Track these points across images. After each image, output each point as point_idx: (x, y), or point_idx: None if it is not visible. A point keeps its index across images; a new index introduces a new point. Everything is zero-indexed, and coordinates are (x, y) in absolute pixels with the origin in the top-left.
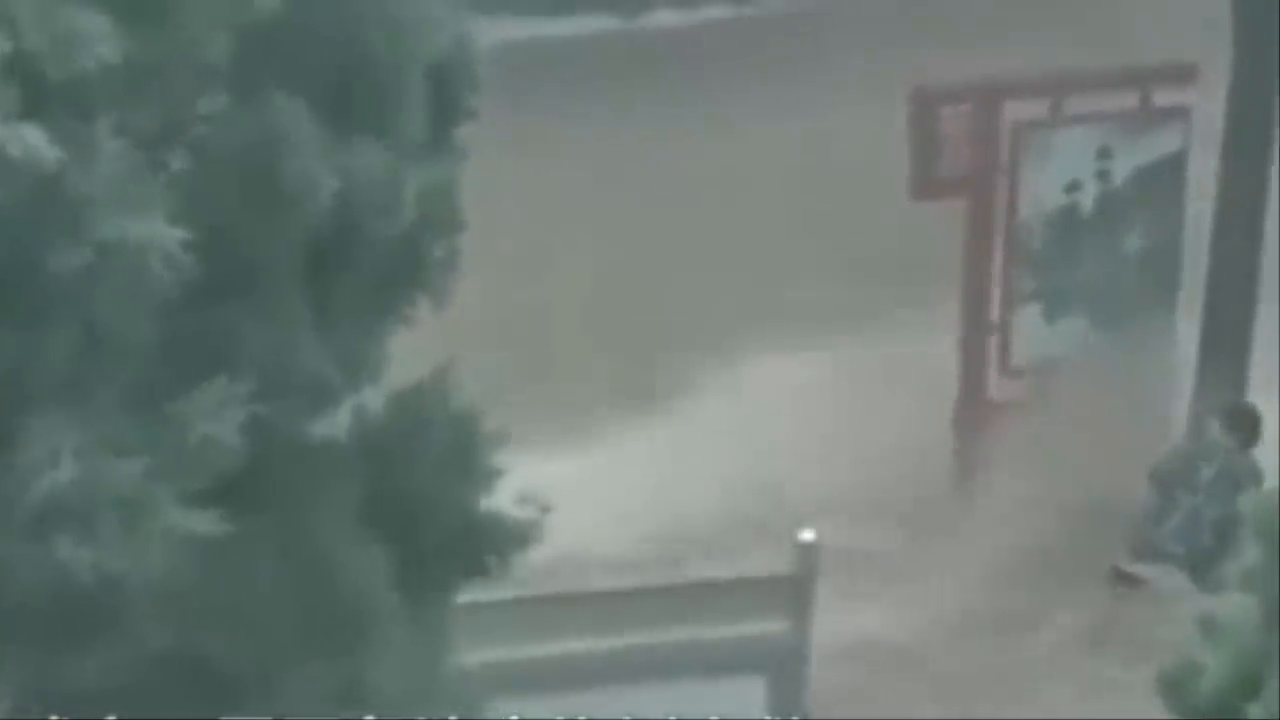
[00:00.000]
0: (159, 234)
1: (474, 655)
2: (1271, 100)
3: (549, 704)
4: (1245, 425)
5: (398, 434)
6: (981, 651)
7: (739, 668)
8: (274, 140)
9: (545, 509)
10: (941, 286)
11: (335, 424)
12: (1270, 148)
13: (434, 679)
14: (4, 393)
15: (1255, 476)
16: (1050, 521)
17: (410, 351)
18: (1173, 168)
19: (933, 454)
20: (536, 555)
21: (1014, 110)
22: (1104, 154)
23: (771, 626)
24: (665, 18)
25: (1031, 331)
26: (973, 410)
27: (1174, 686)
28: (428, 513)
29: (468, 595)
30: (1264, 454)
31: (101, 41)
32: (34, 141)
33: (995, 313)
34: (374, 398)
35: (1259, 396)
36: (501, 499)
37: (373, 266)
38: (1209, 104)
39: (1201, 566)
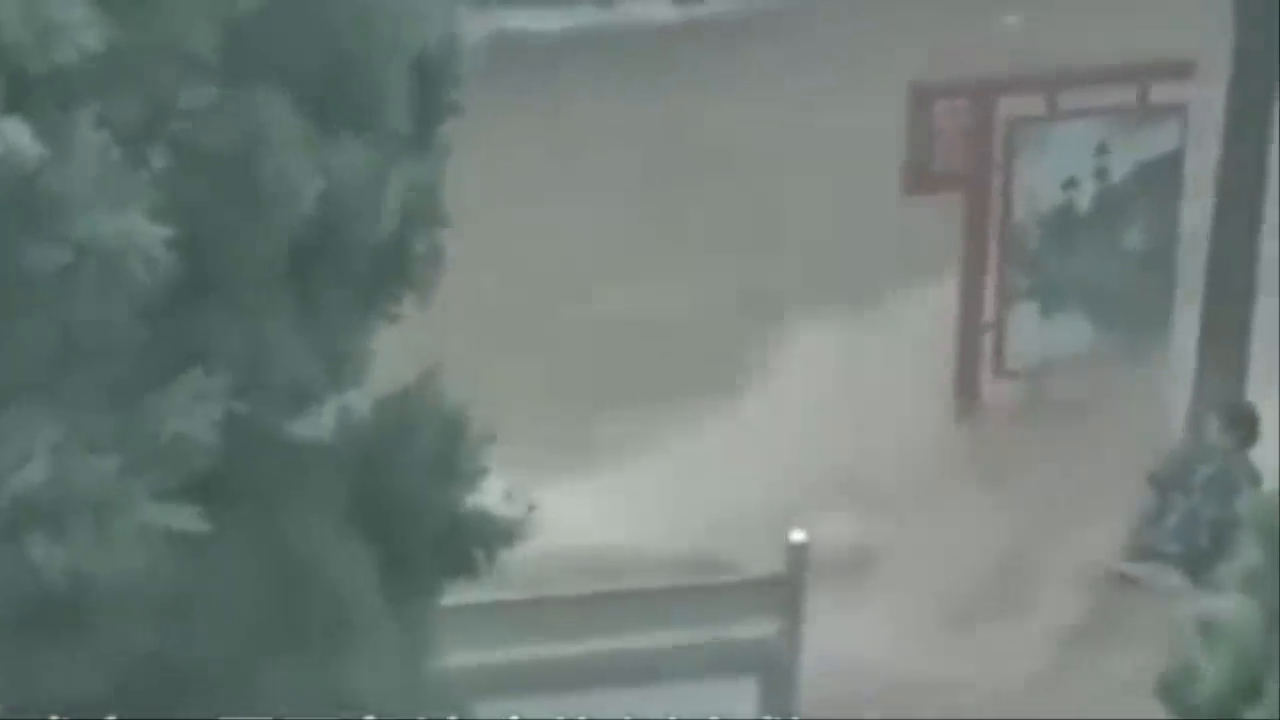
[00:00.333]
0: (139, 232)
1: (464, 657)
2: (1271, 96)
3: (539, 706)
4: (1243, 425)
5: (384, 434)
6: (975, 651)
7: (730, 669)
8: (256, 137)
9: (532, 506)
10: (936, 284)
11: (318, 424)
12: (1270, 144)
13: (418, 681)
14: None
15: (1253, 477)
16: (1045, 522)
17: (397, 351)
18: (1170, 164)
19: (927, 453)
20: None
21: (1009, 105)
22: (1101, 150)
23: (763, 628)
24: (658, 12)
25: (1027, 330)
26: (967, 409)
27: (1173, 689)
28: (413, 513)
29: (457, 597)
30: (1265, 454)
31: (83, 31)
32: (14, 137)
33: (990, 311)
34: (359, 398)
35: (1258, 395)
36: (489, 496)
37: (356, 263)
38: (1207, 100)
39: (1198, 567)
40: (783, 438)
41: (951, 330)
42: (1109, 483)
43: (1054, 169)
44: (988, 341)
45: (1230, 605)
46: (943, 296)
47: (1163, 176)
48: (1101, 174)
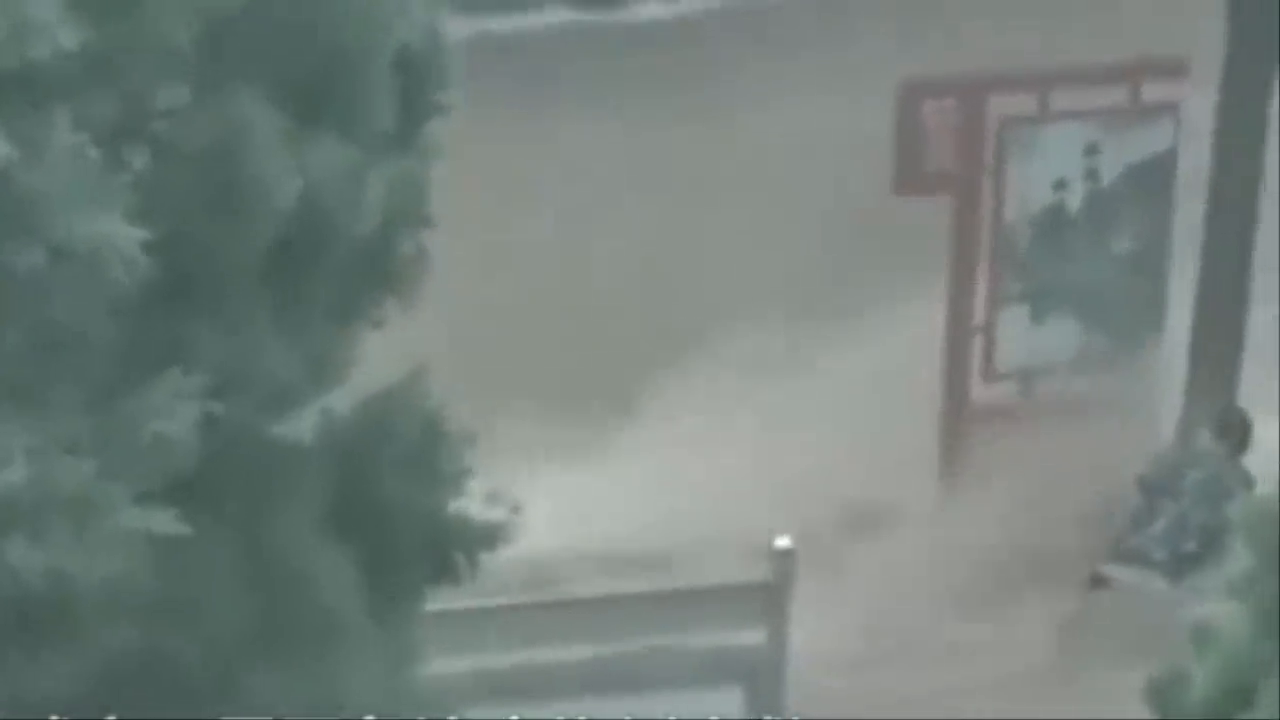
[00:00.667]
0: (117, 233)
1: (450, 664)
2: (1265, 95)
3: (523, 712)
4: (1235, 431)
5: (366, 437)
6: (963, 656)
7: (716, 676)
8: (235, 136)
9: (515, 509)
10: (925, 286)
11: (300, 426)
12: (1263, 144)
13: (402, 686)
14: None
15: (1245, 483)
16: (1035, 526)
17: (384, 350)
18: (1162, 165)
19: (916, 458)
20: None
21: (1000, 105)
22: (1092, 150)
23: (748, 635)
24: (650, 10)
25: (1017, 333)
26: (956, 413)
27: (1162, 695)
28: (394, 515)
29: (443, 604)
30: (1258, 459)
31: (58, 30)
32: None
33: (980, 314)
34: (341, 400)
35: (1251, 401)
36: (472, 500)
37: (336, 263)
38: (1200, 99)
39: (1182, 572)
40: (765, 441)
41: (940, 333)
42: (1097, 487)
43: (1045, 170)
44: (977, 344)
45: (1219, 610)
46: (931, 299)
47: (1155, 178)
48: (1092, 175)
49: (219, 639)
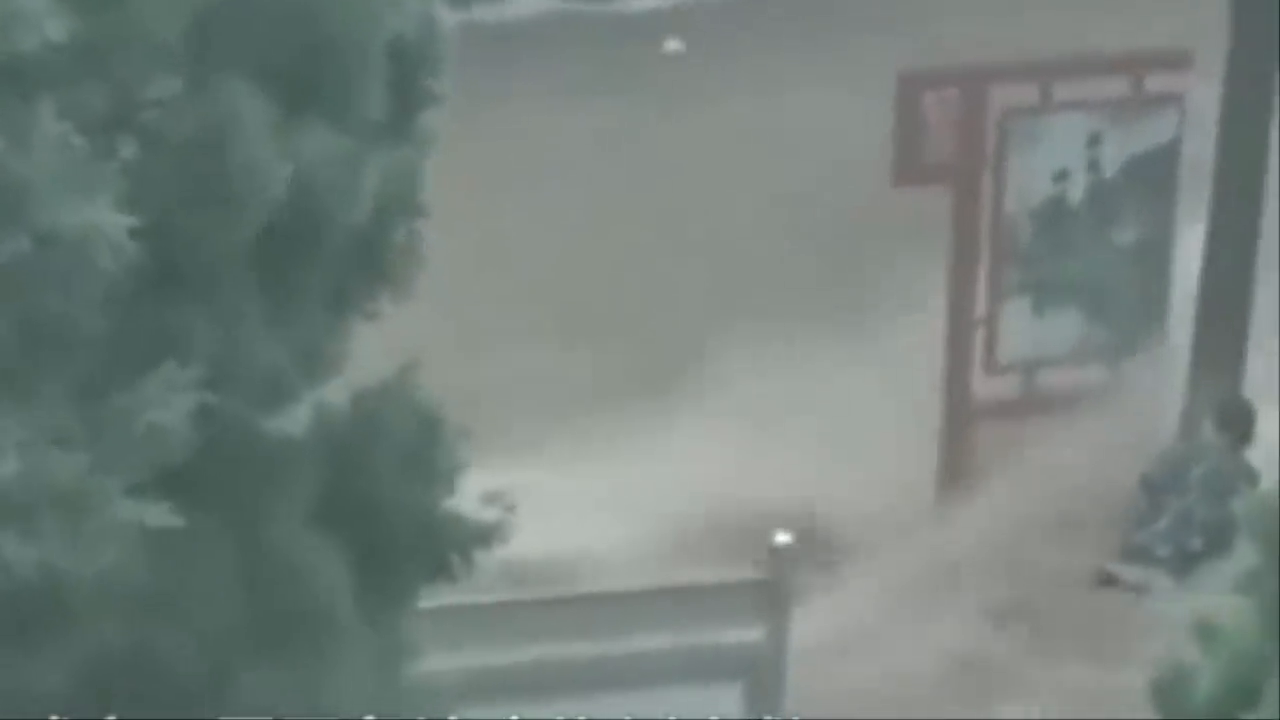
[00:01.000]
0: (105, 222)
1: (446, 661)
2: (1270, 86)
3: (521, 711)
4: (1238, 423)
5: (359, 432)
6: (965, 652)
7: (715, 673)
8: (225, 125)
9: (510, 508)
10: (925, 279)
11: (293, 420)
12: (1268, 135)
13: (394, 683)
14: None
15: (1249, 477)
16: (1037, 522)
17: (370, 345)
18: (1165, 156)
19: (916, 452)
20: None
21: (1002, 96)
22: (1094, 141)
23: (748, 631)
24: (644, 1)
25: (1019, 326)
26: (958, 406)
27: (1167, 692)
28: (389, 512)
29: (439, 599)
30: (1261, 453)
31: (46, 21)
32: None
33: (981, 306)
34: (335, 394)
35: (1255, 393)
36: (467, 498)
37: (331, 254)
38: (1204, 90)
39: (1188, 569)
40: (762, 436)
41: (941, 325)
42: (1100, 480)
43: (1046, 161)
44: (979, 337)
45: (1224, 607)
46: (932, 292)
47: (1157, 169)
48: (1094, 166)
49: (210, 634)
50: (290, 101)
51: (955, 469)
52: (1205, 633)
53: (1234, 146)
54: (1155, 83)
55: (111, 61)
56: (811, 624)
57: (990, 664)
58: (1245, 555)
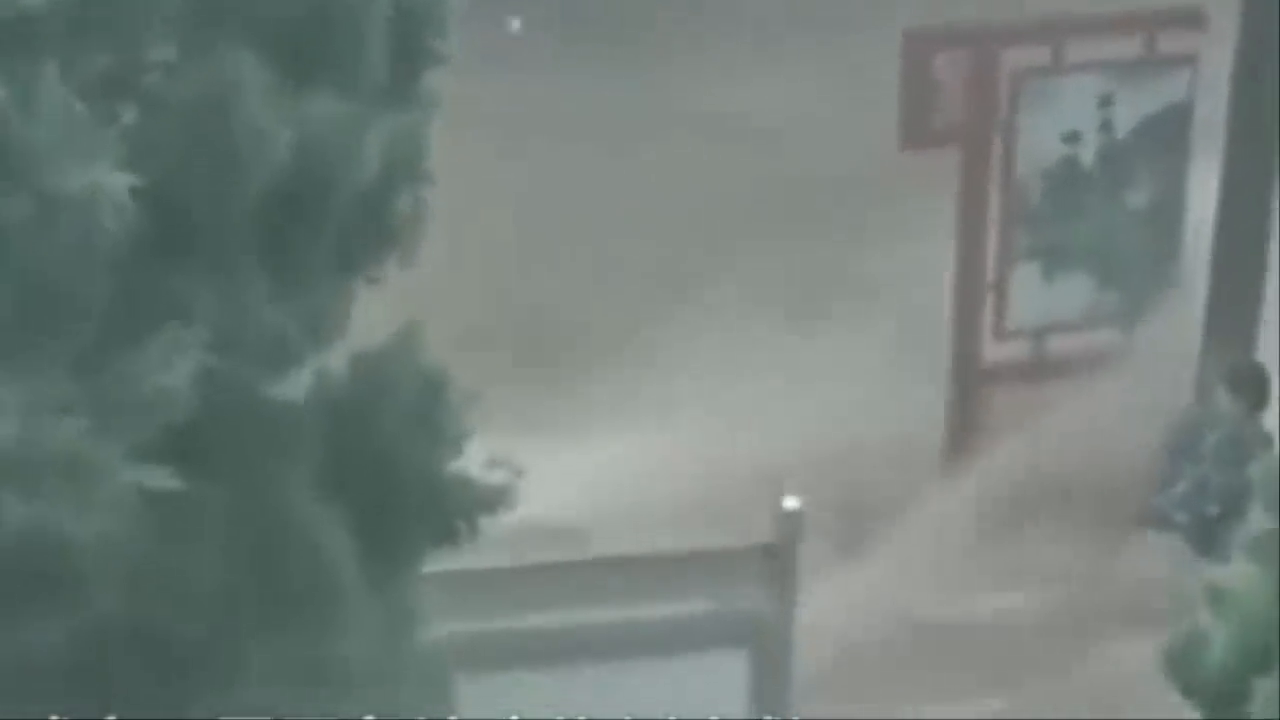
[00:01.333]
0: (107, 182)
1: (443, 629)
2: None
3: (519, 680)
4: (1252, 387)
5: (361, 395)
6: (971, 620)
7: (720, 641)
8: (227, 88)
9: (517, 472)
10: (934, 242)
11: (296, 385)
12: None
13: (401, 651)
14: None
15: (1264, 442)
16: (1047, 486)
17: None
18: (1178, 117)
19: (923, 420)
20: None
21: (1013, 57)
22: (1105, 102)
23: (754, 598)
24: None
25: (1029, 290)
26: (967, 372)
27: (1178, 659)
28: (393, 477)
29: (438, 565)
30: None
31: None
32: None
33: (991, 271)
34: (336, 358)
35: (1270, 357)
36: (472, 463)
37: (334, 220)
38: (1218, 51)
39: (1204, 536)
40: (769, 400)
41: (950, 290)
42: (1113, 447)
43: (1056, 122)
44: (988, 302)
45: (1238, 572)
46: (940, 256)
47: (1170, 130)
48: (1106, 128)
49: (213, 600)
50: (292, 63)
51: (964, 435)
52: (1216, 597)
53: (1247, 107)
54: (1168, 43)
55: (114, 24)
56: (820, 589)
57: (1001, 630)
58: (1259, 520)
